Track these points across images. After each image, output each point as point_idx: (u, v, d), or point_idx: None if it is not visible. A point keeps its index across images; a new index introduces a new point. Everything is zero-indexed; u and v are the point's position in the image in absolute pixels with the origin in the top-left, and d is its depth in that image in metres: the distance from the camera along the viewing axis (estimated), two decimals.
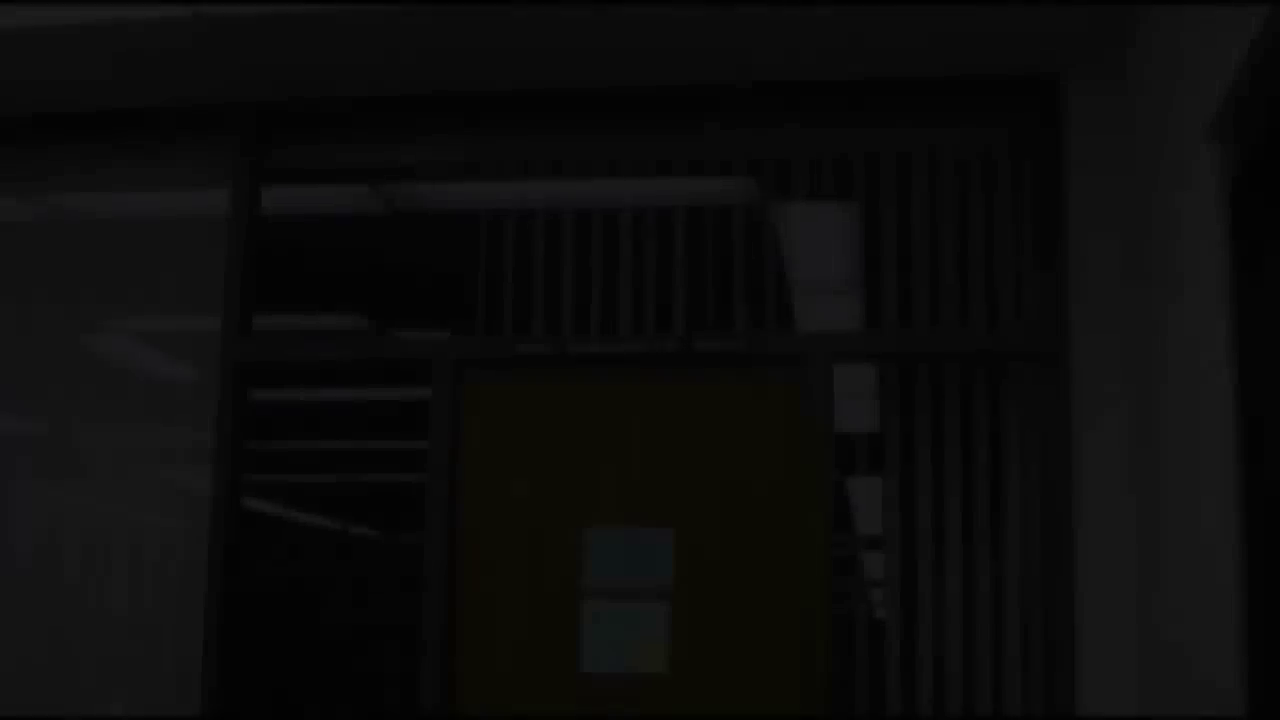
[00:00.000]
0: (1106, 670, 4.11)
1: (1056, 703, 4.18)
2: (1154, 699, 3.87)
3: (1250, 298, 3.18)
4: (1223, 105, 3.15)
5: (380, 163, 4.82)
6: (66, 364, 4.82)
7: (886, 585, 4.43)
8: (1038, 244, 4.48)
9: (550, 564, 4.50)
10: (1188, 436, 3.55)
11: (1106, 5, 3.94)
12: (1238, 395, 3.19)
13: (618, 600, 4.41)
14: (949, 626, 4.38)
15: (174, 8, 4.10)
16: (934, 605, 4.40)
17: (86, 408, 4.77)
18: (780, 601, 4.36)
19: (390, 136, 4.78)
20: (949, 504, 4.44)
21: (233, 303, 4.75)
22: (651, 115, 4.69)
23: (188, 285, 4.83)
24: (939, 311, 4.55)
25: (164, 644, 4.64)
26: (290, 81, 4.62)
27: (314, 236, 4.89)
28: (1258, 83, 3.00)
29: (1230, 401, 3.19)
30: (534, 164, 4.76)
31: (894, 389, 4.56)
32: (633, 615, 4.39)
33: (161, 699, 4.55)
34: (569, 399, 4.59)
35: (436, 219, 4.83)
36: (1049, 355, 4.39)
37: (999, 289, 4.53)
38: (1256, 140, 3.19)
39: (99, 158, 4.84)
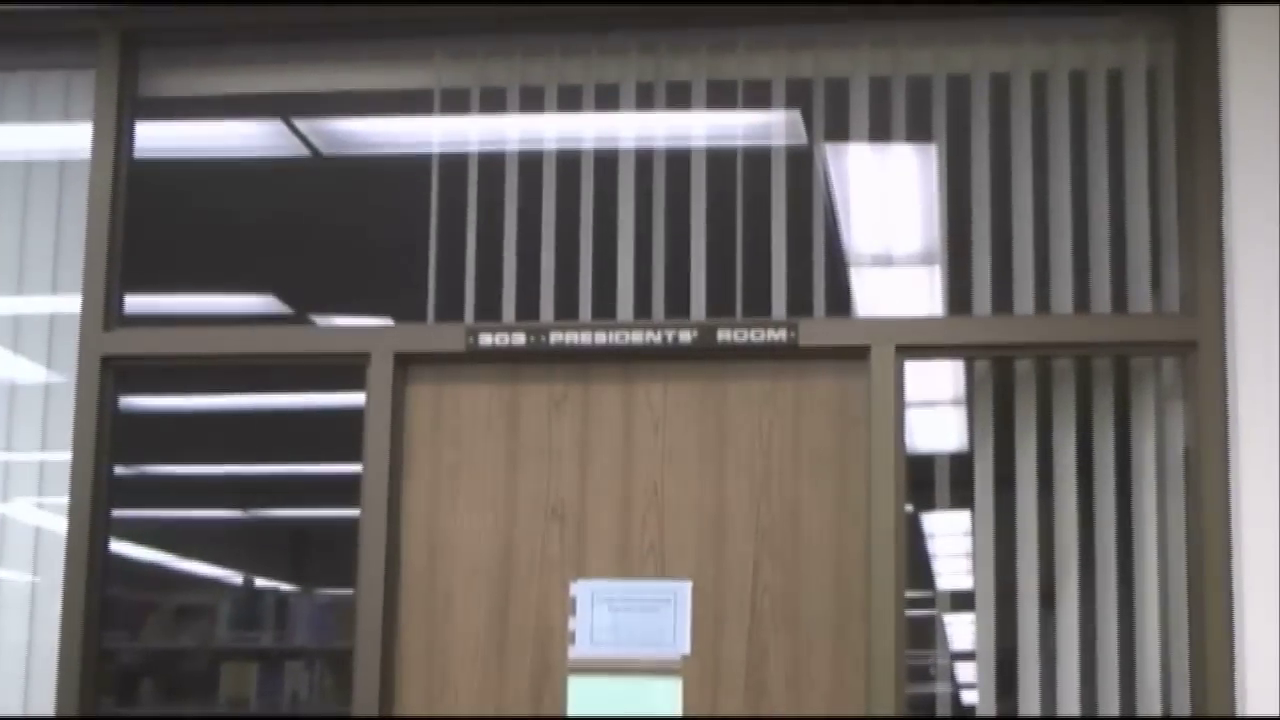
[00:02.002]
0: None
1: None
2: None
3: None
4: None
5: (297, 90, 4.81)
6: None
7: (978, 658, 4.41)
8: (1183, 200, 4.48)
9: (525, 628, 4.52)
10: None
11: None
12: None
13: (616, 677, 4.44)
14: (1062, 714, 4.34)
15: None
16: (1042, 685, 4.37)
17: None
18: (835, 681, 4.38)
19: (310, 55, 4.79)
20: (1062, 547, 4.40)
21: (96, 277, 4.72)
22: (662, 26, 4.72)
23: (35, 253, 4.82)
24: (1048, 290, 4.52)
25: None
26: None
27: (208, 189, 4.95)
28: None
29: None
30: (504, 93, 4.77)
31: (987, 395, 4.53)
32: (636, 698, 4.41)
33: None
34: (550, 407, 4.61)
35: (374, 166, 4.90)
36: (1199, 348, 4.38)
37: (1130, 259, 4.52)
38: None
39: None
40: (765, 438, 4.53)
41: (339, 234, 4.77)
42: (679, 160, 4.69)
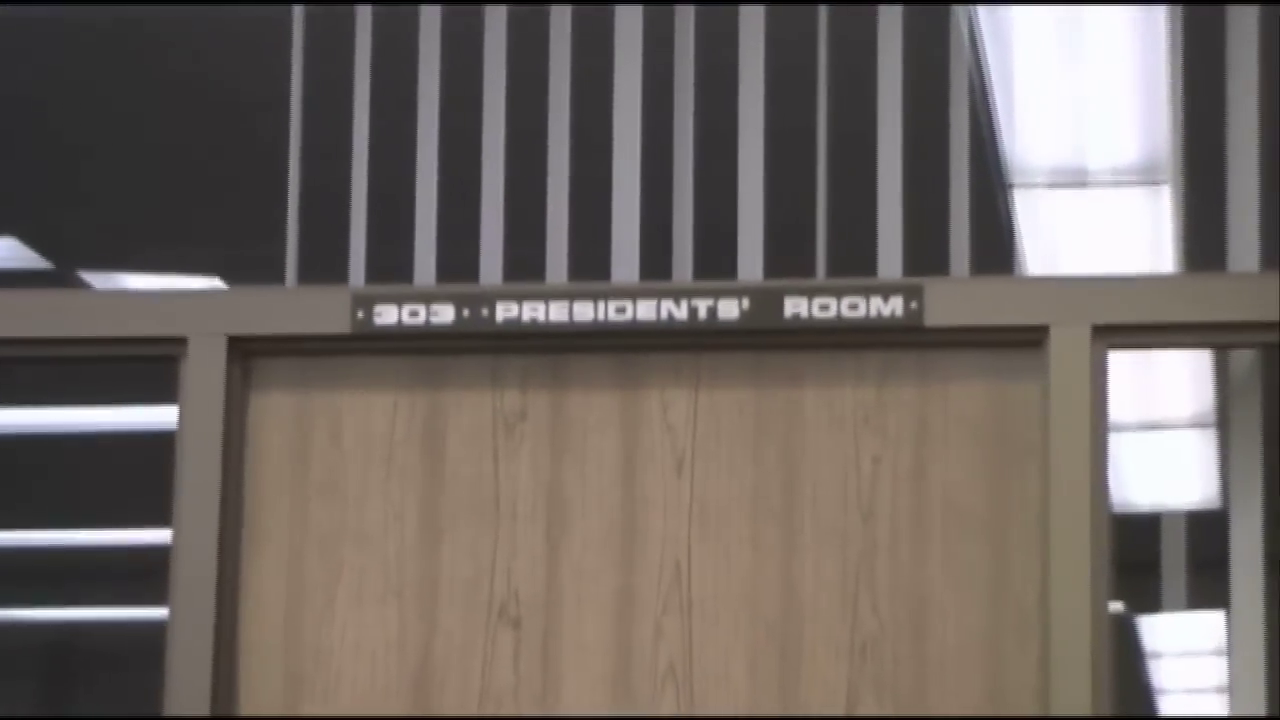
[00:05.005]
0: None
1: None
2: None
3: None
4: None
5: None
6: None
7: None
8: None
9: None
10: None
11: None
12: None
13: None
14: None
15: None
16: None
17: None
18: None
19: None
20: None
21: None
22: None
23: None
24: None
25: None
26: None
27: None
28: None
29: None
30: None
31: (1253, 408, 4.48)
32: None
33: None
34: (499, 429, 4.49)
35: (187, 17, 4.81)
36: None
37: None
38: None
39: None
40: (867, 482, 4.37)
41: (131, 134, 4.73)
42: (721, 15, 4.70)
